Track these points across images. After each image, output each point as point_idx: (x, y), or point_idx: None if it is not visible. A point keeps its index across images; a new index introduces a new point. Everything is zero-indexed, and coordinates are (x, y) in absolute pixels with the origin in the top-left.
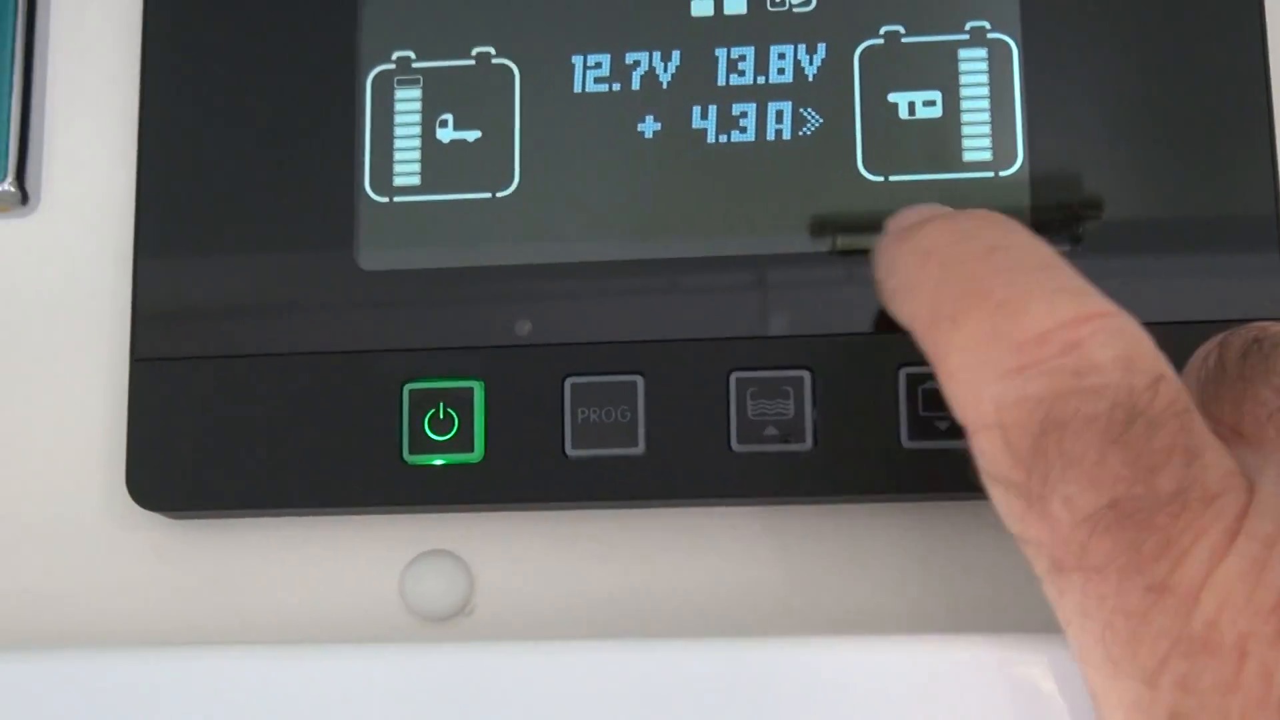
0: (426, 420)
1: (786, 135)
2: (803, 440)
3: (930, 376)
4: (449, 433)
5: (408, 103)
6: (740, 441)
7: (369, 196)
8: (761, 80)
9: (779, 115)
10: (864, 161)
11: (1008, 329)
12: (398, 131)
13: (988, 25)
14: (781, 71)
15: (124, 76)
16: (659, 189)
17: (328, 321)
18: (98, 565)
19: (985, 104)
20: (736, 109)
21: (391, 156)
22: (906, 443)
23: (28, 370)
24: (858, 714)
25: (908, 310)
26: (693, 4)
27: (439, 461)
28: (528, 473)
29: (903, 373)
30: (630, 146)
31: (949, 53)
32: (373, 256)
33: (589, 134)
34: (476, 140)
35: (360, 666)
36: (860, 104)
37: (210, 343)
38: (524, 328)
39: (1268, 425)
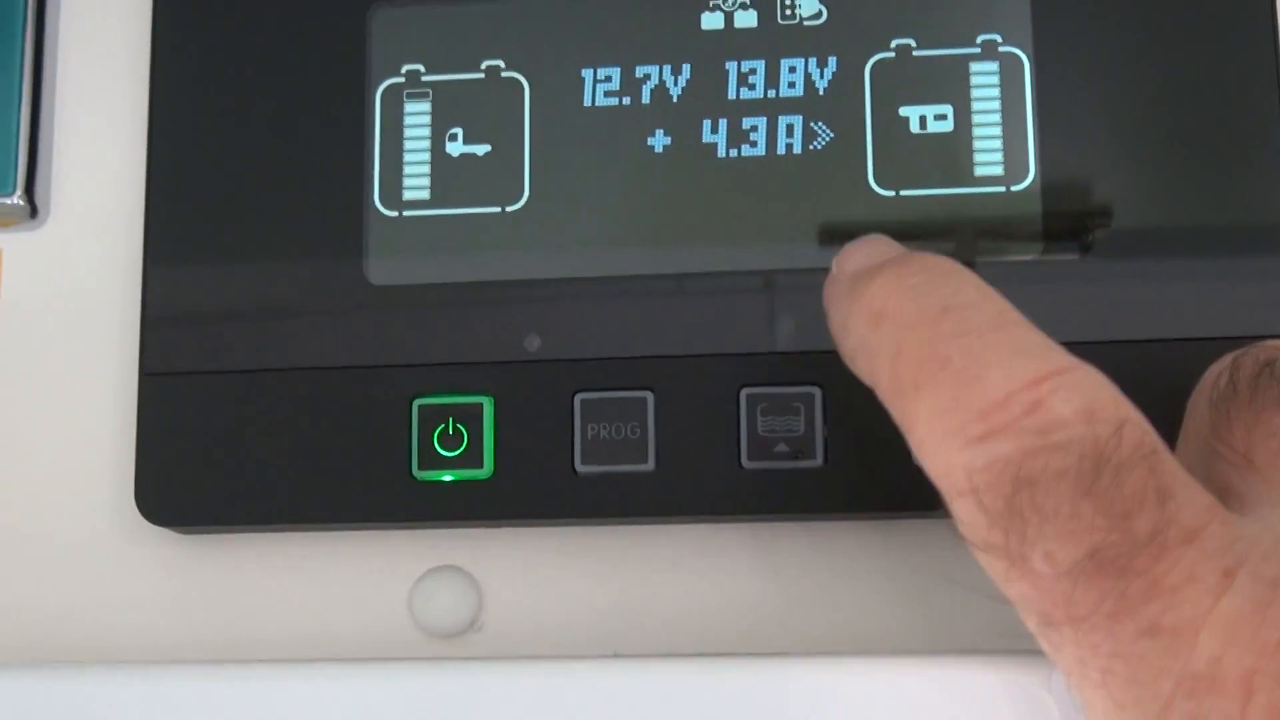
0: (436, 436)
1: (797, 149)
2: (813, 457)
3: None
4: (458, 448)
5: (417, 116)
6: (750, 458)
7: (378, 210)
8: (772, 94)
9: (789, 129)
10: (875, 176)
11: (968, 396)
12: (407, 145)
13: (999, 38)
14: (792, 85)
15: (133, 91)
16: (669, 203)
17: (337, 336)
18: (107, 581)
19: (997, 118)
20: (747, 123)
21: (401, 170)
22: (915, 460)
23: (37, 384)
24: None
25: (867, 373)
26: (703, 17)
27: (448, 477)
28: (537, 489)
29: None
30: (640, 160)
31: (960, 66)
32: (382, 271)
33: (599, 148)
34: (486, 154)
35: (370, 685)
36: (871, 118)
37: (220, 357)
38: (533, 343)
39: None
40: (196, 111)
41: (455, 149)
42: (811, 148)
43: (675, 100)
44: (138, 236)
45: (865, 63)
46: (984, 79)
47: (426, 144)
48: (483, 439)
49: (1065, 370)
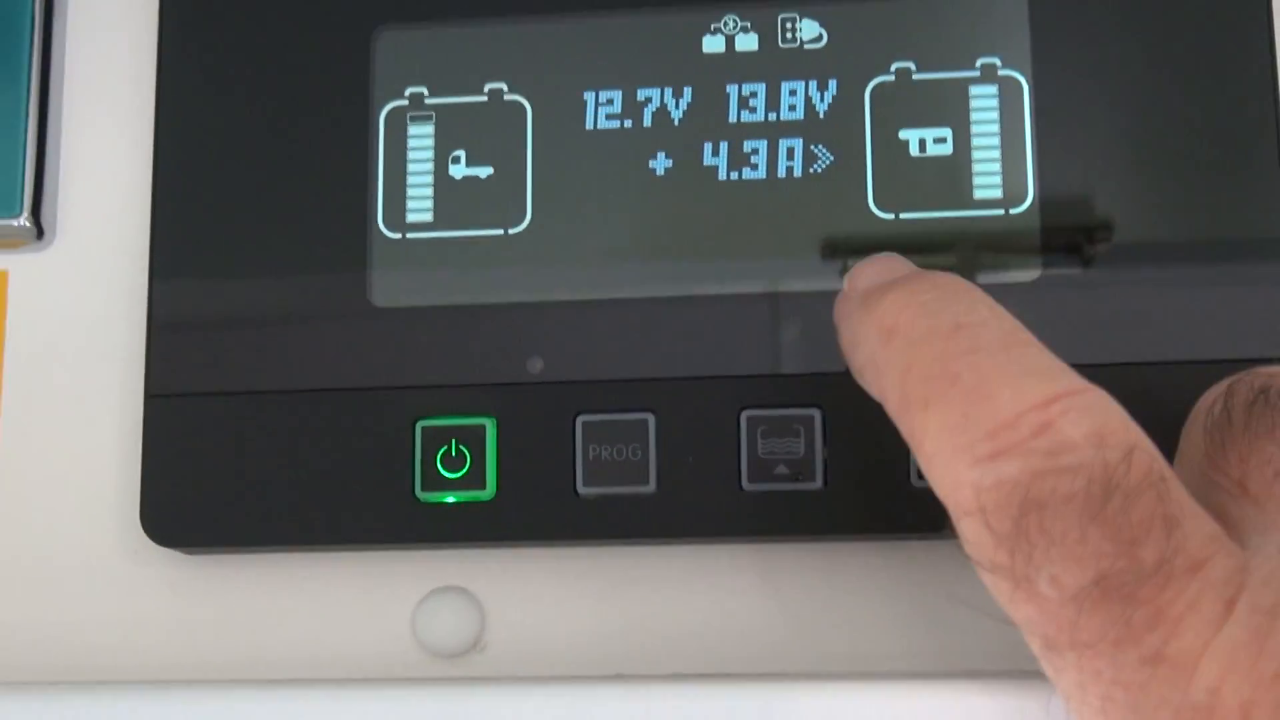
0: (439, 457)
1: (798, 172)
2: (813, 478)
3: None
4: (461, 470)
5: (420, 139)
6: (751, 480)
7: (382, 232)
8: (773, 117)
9: (790, 152)
10: (875, 199)
11: (978, 415)
12: (410, 168)
13: (998, 62)
14: (793, 108)
15: (139, 114)
16: (670, 226)
17: (340, 357)
18: (112, 601)
19: (996, 141)
20: (748, 146)
21: (404, 192)
22: (916, 481)
23: (43, 404)
24: None
25: (877, 389)
26: (704, 41)
27: (451, 499)
28: (539, 510)
29: None
30: (642, 183)
31: (960, 90)
32: (385, 292)
33: (601, 171)
34: (489, 176)
35: (373, 706)
36: (871, 141)
37: (224, 379)
38: (536, 365)
39: (1275, 484)
40: (202, 134)
41: (458, 171)
42: (812, 170)
43: (677, 123)
44: (143, 258)
45: (865, 86)
46: (983, 102)
47: (430, 166)
48: (485, 460)
49: (1075, 392)
